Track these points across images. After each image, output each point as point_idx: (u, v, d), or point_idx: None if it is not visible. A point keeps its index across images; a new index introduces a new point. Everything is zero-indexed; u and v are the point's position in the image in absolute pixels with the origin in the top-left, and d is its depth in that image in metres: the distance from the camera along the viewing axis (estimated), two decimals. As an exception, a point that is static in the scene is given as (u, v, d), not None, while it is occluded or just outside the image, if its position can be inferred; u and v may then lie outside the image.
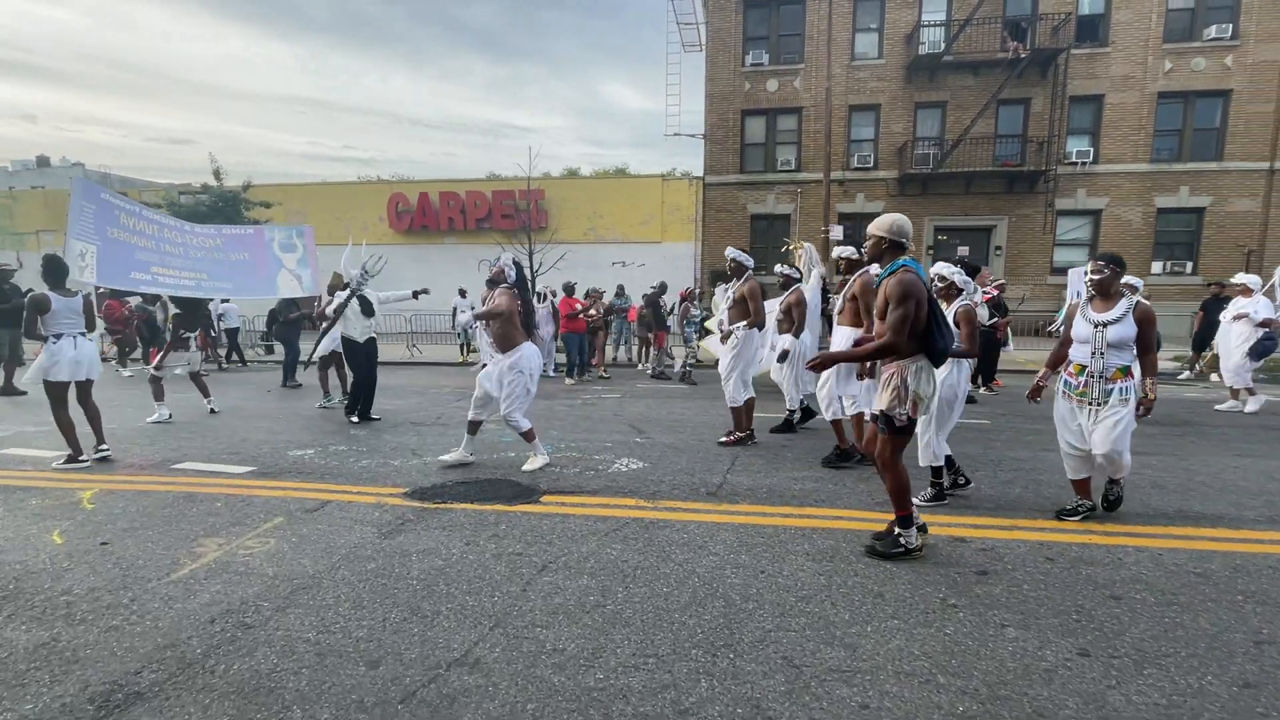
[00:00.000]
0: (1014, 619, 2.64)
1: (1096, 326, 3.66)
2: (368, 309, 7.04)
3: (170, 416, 7.08)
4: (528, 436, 5.01)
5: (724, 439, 5.88)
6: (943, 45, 17.35)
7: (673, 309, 12.89)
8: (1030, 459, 5.31)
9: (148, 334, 11.11)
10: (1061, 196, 17.58)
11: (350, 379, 7.34)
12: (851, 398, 4.92)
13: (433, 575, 3.10)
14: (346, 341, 7.10)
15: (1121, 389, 3.60)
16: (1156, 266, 17.50)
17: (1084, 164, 17.39)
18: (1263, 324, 7.49)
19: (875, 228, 3.31)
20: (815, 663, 2.34)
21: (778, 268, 6.35)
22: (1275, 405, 7.95)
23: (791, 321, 6.21)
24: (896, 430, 3.19)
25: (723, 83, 18.90)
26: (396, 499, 4.30)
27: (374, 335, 7.17)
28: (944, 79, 17.81)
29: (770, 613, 2.71)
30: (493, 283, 5.21)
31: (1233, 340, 7.69)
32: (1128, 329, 3.58)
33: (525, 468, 4.96)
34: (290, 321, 10.31)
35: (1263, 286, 7.97)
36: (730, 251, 5.94)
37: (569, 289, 11.26)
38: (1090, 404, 3.68)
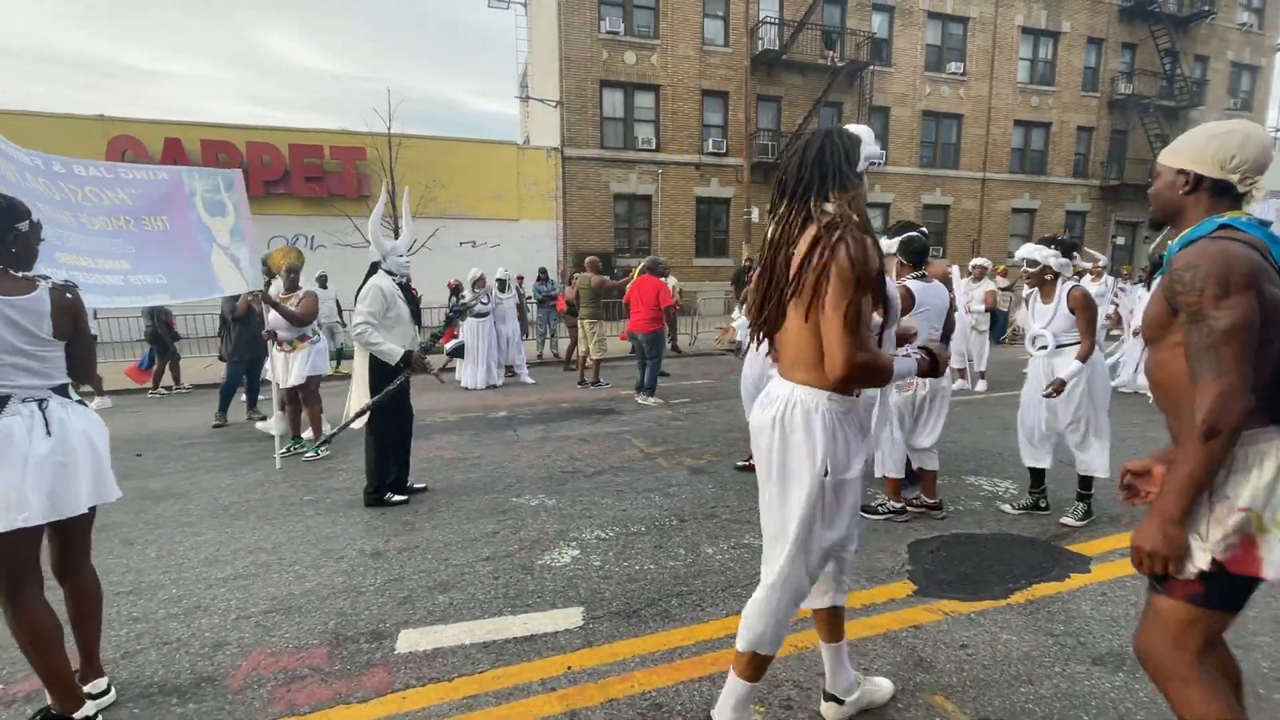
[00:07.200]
0: None
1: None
2: (417, 315, 4.55)
3: None
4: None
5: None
6: (778, 44, 18.71)
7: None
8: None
9: None
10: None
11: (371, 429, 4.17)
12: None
13: None
14: (379, 368, 4.12)
15: None
16: (922, 251, 21.90)
17: (879, 164, 20.69)
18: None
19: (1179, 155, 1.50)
20: None
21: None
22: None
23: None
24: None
25: (580, 47, 17.36)
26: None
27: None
28: (779, 75, 19.27)
29: None
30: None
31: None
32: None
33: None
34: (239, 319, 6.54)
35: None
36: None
37: (658, 269, 7.66)
38: None
